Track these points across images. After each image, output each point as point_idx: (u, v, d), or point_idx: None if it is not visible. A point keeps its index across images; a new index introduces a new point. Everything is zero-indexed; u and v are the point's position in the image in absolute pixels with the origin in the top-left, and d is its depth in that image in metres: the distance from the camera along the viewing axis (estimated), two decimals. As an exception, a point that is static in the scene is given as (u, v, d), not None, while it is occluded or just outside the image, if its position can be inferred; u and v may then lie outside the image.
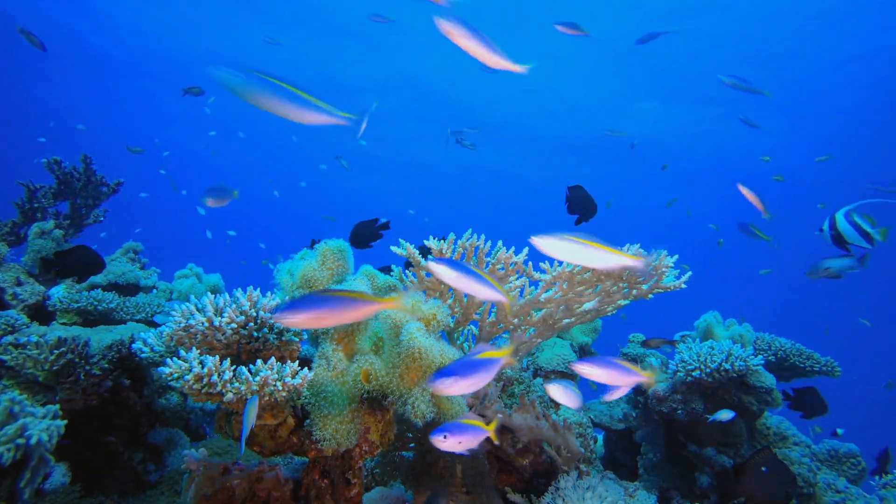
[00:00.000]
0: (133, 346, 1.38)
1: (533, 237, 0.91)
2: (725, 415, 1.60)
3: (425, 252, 1.38)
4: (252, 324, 0.97)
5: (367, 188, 17.08)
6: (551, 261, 1.35)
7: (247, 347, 1.01)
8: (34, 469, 1.03)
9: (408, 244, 1.33)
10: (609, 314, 1.42)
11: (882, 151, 10.61)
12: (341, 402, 1.01)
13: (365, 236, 1.82)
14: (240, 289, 1.00)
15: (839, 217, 1.65)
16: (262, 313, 0.98)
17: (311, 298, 0.82)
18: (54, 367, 1.24)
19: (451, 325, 1.44)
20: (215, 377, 0.87)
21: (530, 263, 1.34)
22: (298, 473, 1.15)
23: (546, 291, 1.37)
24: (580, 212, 1.65)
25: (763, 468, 1.32)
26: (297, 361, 0.98)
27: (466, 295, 1.40)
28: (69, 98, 12.33)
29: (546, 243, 0.91)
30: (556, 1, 8.26)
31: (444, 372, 0.83)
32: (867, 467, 1.79)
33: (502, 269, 1.33)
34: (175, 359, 0.88)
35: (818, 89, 9.26)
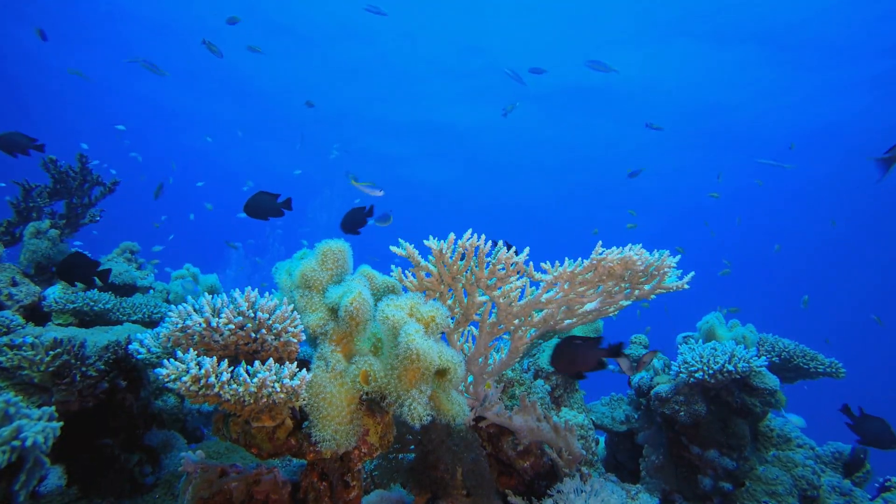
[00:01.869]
0: (129, 347, 1.37)
1: None
2: (797, 421, 1.63)
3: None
4: (250, 325, 0.96)
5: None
6: (552, 261, 1.33)
7: (244, 348, 0.99)
8: (30, 472, 1.01)
9: (408, 244, 1.31)
10: (611, 315, 1.41)
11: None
12: (340, 403, 1.00)
13: (266, 210, 1.88)
14: (237, 289, 0.98)
15: None
16: (259, 314, 0.96)
17: None
18: (50, 369, 1.23)
19: (451, 325, 1.42)
20: (213, 378, 0.86)
21: (531, 264, 1.32)
22: (297, 476, 1.13)
23: (547, 292, 1.35)
24: (349, 227, 2.04)
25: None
26: (296, 363, 0.96)
27: (466, 295, 1.39)
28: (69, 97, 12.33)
29: None
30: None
31: None
32: (872, 469, 1.78)
33: (503, 269, 1.31)
34: (172, 360, 0.86)
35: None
